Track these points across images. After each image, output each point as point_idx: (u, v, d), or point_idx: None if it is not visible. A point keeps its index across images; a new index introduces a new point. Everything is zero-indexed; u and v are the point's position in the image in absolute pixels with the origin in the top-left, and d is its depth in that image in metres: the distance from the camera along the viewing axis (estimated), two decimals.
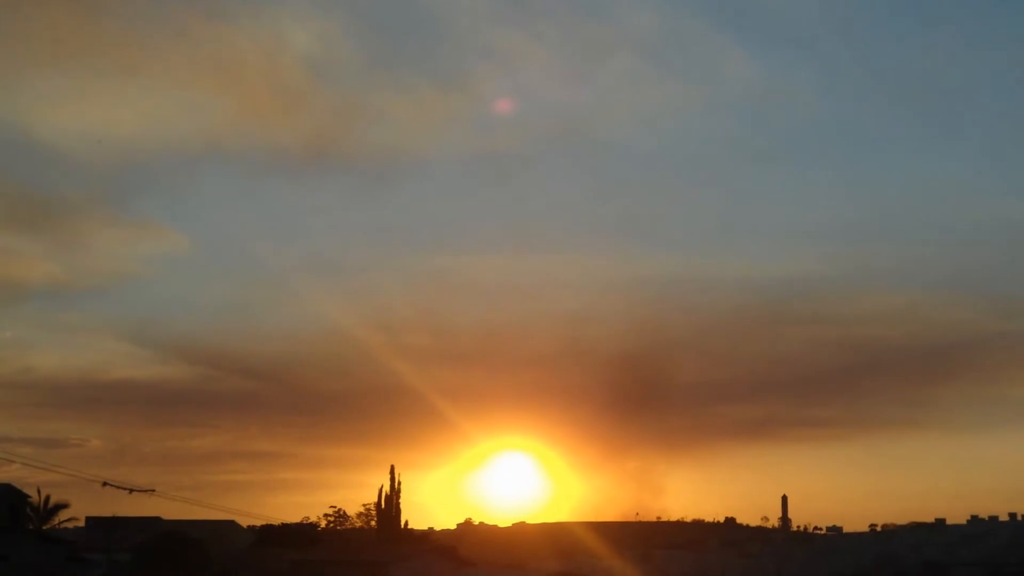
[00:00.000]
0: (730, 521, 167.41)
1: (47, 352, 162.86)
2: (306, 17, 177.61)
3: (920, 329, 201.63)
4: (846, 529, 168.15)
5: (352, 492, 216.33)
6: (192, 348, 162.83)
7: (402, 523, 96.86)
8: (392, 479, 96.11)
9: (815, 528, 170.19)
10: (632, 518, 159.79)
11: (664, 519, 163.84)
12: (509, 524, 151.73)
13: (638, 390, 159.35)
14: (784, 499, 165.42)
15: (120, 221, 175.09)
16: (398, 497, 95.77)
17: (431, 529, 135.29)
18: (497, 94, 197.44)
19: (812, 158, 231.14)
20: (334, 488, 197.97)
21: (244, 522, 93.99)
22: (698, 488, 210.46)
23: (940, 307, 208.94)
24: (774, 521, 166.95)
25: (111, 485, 56.26)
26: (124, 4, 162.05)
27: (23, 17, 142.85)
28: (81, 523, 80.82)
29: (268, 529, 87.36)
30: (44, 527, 70.49)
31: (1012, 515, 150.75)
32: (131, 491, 57.65)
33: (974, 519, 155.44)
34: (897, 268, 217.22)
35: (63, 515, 72.75)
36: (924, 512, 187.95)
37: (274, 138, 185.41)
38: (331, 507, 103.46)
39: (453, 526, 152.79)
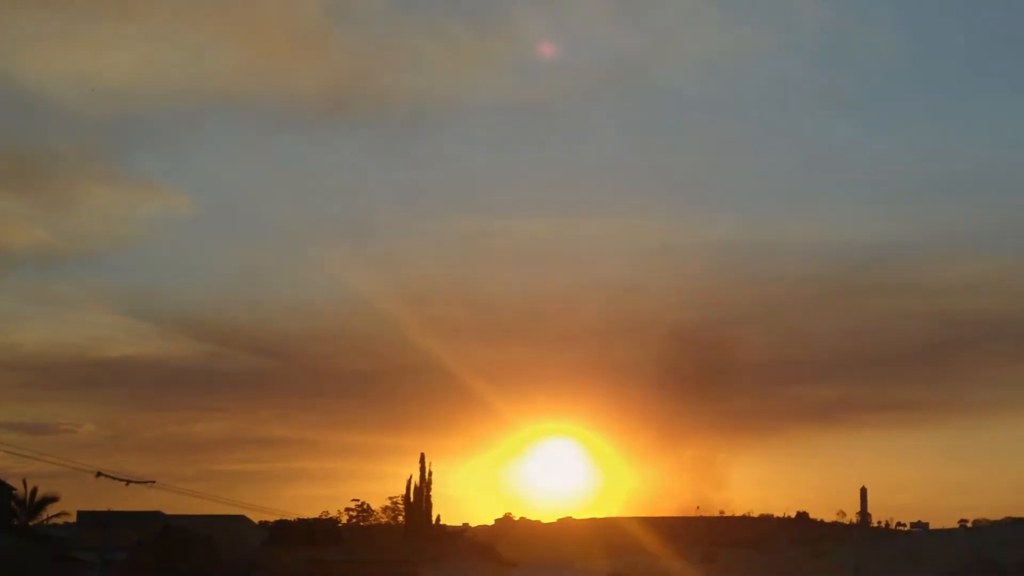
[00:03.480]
0: (802, 516, 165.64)
1: (35, 327, 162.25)
2: None
3: (1016, 300, 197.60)
4: (932, 525, 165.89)
5: (377, 484, 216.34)
6: (197, 322, 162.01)
7: (433, 518, 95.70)
8: (422, 469, 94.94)
9: (898, 524, 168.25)
10: (692, 513, 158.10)
11: (728, 514, 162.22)
12: (553, 520, 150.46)
13: (697, 369, 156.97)
14: (863, 491, 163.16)
15: (116, 179, 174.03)
16: (429, 489, 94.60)
17: (466, 525, 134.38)
18: (540, 36, 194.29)
19: (893, 108, 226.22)
20: (357, 479, 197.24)
21: (256, 517, 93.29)
22: (766, 479, 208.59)
23: None
24: (851, 516, 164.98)
25: (106, 476, 55.57)
26: None
27: None
28: (72, 518, 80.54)
29: (283, 525, 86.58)
30: (31, 523, 69.98)
31: None
32: (128, 482, 56.26)
33: None
34: (989, 231, 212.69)
35: (52, 509, 72.28)
36: (1020, 506, 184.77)
37: (289, 86, 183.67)
38: (353, 500, 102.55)
39: (490, 522, 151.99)
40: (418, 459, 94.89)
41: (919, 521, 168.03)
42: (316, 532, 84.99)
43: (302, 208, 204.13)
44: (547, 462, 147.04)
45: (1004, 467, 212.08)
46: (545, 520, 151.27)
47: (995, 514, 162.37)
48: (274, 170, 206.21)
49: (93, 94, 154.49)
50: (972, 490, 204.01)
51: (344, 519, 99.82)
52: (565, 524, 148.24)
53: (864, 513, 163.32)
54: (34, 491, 70.97)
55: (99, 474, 55.93)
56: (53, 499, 71.80)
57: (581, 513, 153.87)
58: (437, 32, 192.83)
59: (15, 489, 69.24)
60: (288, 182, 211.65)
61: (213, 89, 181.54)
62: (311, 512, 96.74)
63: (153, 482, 60.01)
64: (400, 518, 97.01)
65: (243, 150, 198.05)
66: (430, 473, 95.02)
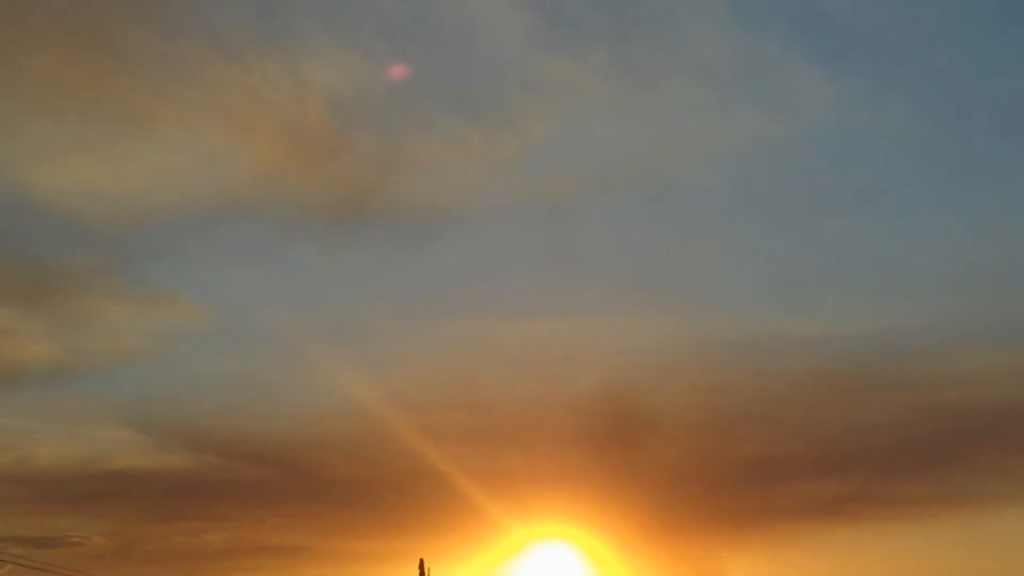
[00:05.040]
0: None
1: (45, 441, 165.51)
2: (337, 58, 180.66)
3: (1022, 391, 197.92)
4: None
5: None
6: (199, 433, 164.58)
7: None
8: (421, 574, 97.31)
9: None
10: None
11: None
12: None
13: (697, 468, 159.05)
14: None
15: (128, 293, 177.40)
16: None
17: None
18: (544, 132, 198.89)
19: (897, 200, 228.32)
20: None
21: None
22: None
23: None
24: None
25: None
26: (133, 48, 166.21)
27: (21, 64, 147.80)
28: None
29: None
30: None
31: None
32: None
33: None
34: (1002, 323, 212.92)
35: None
36: None
37: (300, 194, 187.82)
38: None
39: None
40: (417, 564, 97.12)
41: None
42: None
43: (307, 316, 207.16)
44: (543, 565, 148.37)
45: (1012, 561, 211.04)
46: None
47: None
48: (284, 279, 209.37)
49: (105, 206, 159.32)
50: None
51: None
52: None
53: None
54: None
55: None
56: None
57: None
58: (444, 136, 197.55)
59: None
60: (296, 291, 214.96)
61: (225, 199, 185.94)
62: None
63: None
64: None
65: (255, 259, 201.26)
66: None
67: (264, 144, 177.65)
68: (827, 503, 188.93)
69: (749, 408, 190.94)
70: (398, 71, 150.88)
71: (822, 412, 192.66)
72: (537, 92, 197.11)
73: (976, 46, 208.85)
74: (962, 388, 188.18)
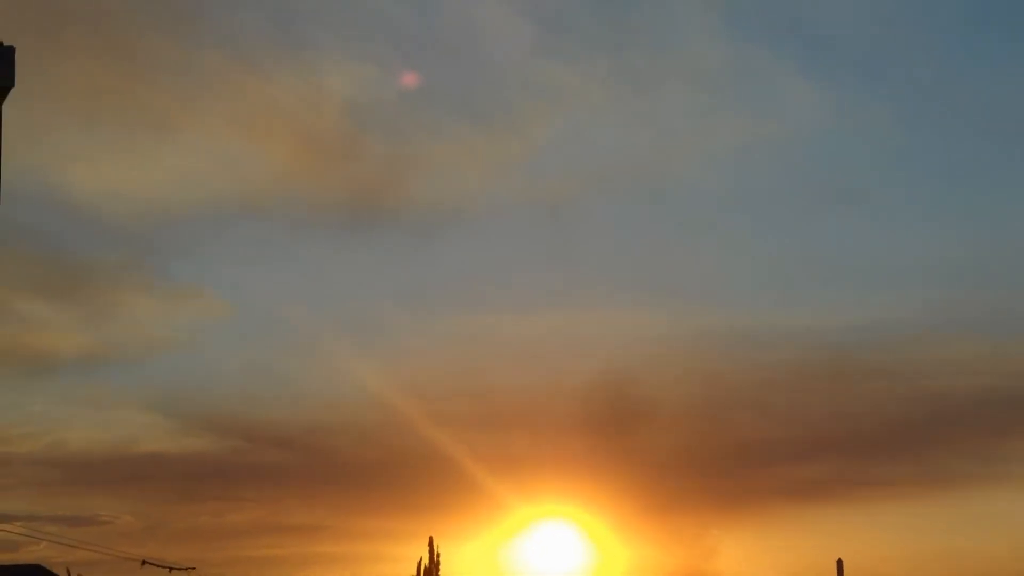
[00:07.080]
0: None
1: (78, 426, 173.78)
2: (351, 67, 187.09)
3: (998, 378, 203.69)
4: None
5: (390, 565, 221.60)
6: (225, 419, 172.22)
7: None
8: (431, 551, 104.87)
9: None
10: None
11: None
12: None
13: (693, 452, 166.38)
14: (839, 564, 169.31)
15: (154, 287, 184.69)
16: (437, 570, 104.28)
17: None
18: (546, 135, 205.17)
19: (889, 196, 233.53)
20: (371, 561, 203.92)
21: None
22: (756, 554, 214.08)
23: None
24: None
25: (151, 564, 60.38)
26: (158, 58, 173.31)
27: (55, 71, 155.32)
28: None
29: None
30: None
31: None
32: (171, 569, 60.03)
33: None
34: (980, 315, 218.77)
35: None
36: None
37: (314, 194, 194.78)
38: None
39: None
40: (427, 542, 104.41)
41: None
42: None
43: (321, 310, 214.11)
44: (545, 543, 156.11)
45: (983, 537, 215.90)
46: None
47: None
48: (300, 275, 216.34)
49: (133, 206, 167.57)
50: (950, 561, 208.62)
51: None
52: None
53: None
54: None
55: (144, 562, 61.73)
56: None
57: None
58: (450, 139, 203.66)
59: None
60: (311, 286, 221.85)
61: (244, 199, 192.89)
62: None
63: (194, 568, 65.53)
64: None
65: (272, 256, 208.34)
66: (438, 555, 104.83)
67: (281, 148, 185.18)
68: (813, 484, 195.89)
69: (741, 395, 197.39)
70: (409, 79, 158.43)
71: (810, 399, 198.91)
72: (539, 97, 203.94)
73: (958, 54, 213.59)
74: (942, 376, 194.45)
